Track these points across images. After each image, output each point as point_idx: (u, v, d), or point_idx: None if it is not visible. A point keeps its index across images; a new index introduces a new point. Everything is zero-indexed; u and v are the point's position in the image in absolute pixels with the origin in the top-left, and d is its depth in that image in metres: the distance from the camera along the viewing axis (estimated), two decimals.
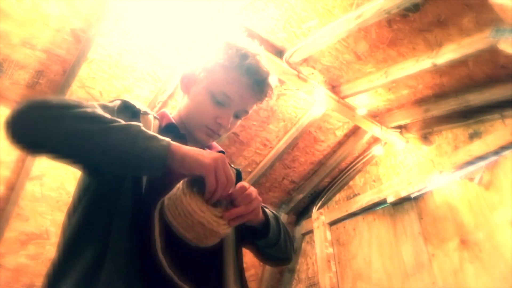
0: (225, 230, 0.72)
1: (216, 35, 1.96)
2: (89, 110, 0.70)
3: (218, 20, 1.93)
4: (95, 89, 2.22)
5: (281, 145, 2.83)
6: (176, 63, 2.20)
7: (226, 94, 0.92)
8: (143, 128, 0.71)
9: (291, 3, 1.93)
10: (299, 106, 2.63)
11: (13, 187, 2.23)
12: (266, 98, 1.00)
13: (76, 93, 2.19)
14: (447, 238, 2.31)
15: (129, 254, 0.70)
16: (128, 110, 0.89)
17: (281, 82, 2.36)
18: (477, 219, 2.20)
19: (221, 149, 1.08)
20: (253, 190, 0.79)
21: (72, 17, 1.91)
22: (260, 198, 0.81)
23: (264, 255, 0.99)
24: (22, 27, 1.90)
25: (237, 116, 0.99)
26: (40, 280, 2.31)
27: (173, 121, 0.98)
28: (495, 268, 2.02)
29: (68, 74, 2.11)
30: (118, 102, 0.90)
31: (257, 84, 0.95)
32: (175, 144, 0.71)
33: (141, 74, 2.22)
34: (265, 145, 2.84)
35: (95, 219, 0.75)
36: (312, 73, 2.37)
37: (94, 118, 0.68)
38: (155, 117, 0.95)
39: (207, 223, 0.69)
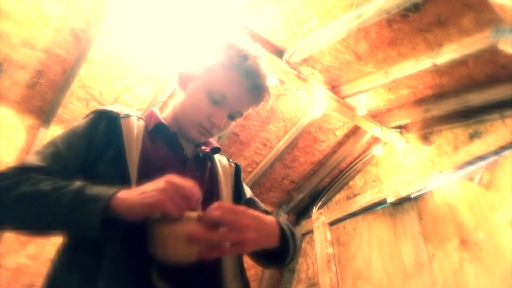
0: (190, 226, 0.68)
1: (216, 35, 1.96)
2: (27, 189, 0.70)
3: (218, 20, 1.93)
4: (95, 89, 2.22)
5: (281, 145, 2.82)
6: (176, 63, 2.20)
7: (223, 94, 0.91)
8: (81, 190, 0.69)
9: (291, 3, 1.93)
10: (299, 106, 2.63)
11: None
12: (262, 102, 0.99)
13: (76, 93, 2.19)
14: (447, 238, 2.31)
15: (123, 262, 0.70)
16: (103, 119, 0.87)
17: (281, 82, 2.36)
18: (477, 219, 2.20)
19: (216, 145, 1.06)
20: (247, 223, 0.71)
21: (72, 17, 1.91)
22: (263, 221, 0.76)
23: (263, 262, 0.96)
24: (22, 27, 1.90)
25: (231, 117, 0.98)
26: (40, 280, 2.30)
27: (162, 119, 0.97)
28: (495, 268, 2.02)
29: (68, 74, 2.11)
30: (90, 117, 0.89)
31: (255, 88, 0.93)
32: (117, 198, 0.67)
33: (141, 74, 2.22)
34: (265, 145, 2.84)
35: None
36: (312, 73, 2.37)
37: (29, 198, 0.69)
38: (140, 118, 0.93)
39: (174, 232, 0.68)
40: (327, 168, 3.09)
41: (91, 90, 2.22)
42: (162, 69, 2.22)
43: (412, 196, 2.58)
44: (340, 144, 2.98)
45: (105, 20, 1.92)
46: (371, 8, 1.84)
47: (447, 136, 2.60)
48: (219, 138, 2.57)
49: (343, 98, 2.49)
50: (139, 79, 2.24)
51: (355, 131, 2.91)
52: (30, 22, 1.89)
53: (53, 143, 0.82)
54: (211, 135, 0.98)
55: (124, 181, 0.76)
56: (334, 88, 2.50)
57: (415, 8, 1.86)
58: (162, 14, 1.96)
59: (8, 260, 2.24)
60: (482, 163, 2.28)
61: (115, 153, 0.81)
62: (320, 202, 3.25)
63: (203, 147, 1.01)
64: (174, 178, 0.69)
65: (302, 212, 3.42)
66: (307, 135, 2.83)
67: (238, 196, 1.03)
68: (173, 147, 0.94)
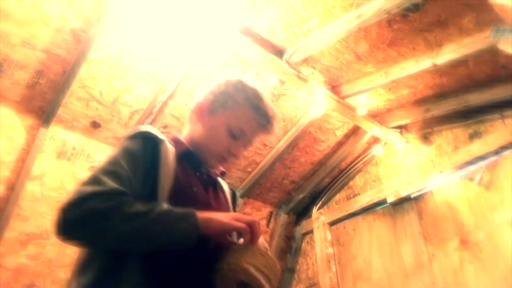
0: None
1: (216, 35, 1.96)
2: (131, 210, 0.79)
3: (218, 20, 1.93)
4: (95, 89, 2.22)
5: (281, 145, 2.82)
6: (176, 63, 2.20)
7: (243, 131, 1.05)
8: (172, 211, 0.82)
9: (291, 3, 1.93)
10: (299, 106, 2.63)
11: (13, 187, 2.22)
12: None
13: (76, 93, 2.19)
14: (447, 238, 2.31)
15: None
16: (148, 144, 0.94)
17: (281, 82, 2.36)
18: (477, 219, 2.20)
19: (223, 169, 1.15)
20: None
21: (72, 17, 1.91)
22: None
23: None
24: (22, 27, 1.90)
25: (243, 146, 1.10)
26: (40, 280, 2.31)
27: (189, 147, 1.05)
28: (495, 268, 2.02)
29: (68, 74, 2.11)
30: (141, 142, 0.94)
31: (270, 124, 1.08)
32: (200, 218, 0.82)
33: (141, 74, 2.22)
34: (265, 145, 2.84)
35: None
36: (312, 73, 2.37)
37: (134, 217, 0.79)
38: (170, 143, 1.00)
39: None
40: (327, 168, 3.09)
41: (91, 90, 2.22)
42: (162, 69, 2.22)
43: (412, 196, 2.58)
44: (340, 144, 2.98)
45: (105, 20, 1.92)
46: (371, 8, 1.84)
47: (447, 136, 2.60)
48: None
49: (343, 98, 2.49)
50: (139, 79, 2.24)
51: (355, 131, 2.91)
52: (30, 22, 1.89)
53: (118, 164, 0.88)
54: (227, 163, 1.10)
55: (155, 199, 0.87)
56: (334, 88, 2.50)
57: (415, 8, 1.85)
58: (162, 14, 1.96)
59: (8, 260, 2.24)
60: (482, 163, 2.28)
61: (153, 177, 0.89)
62: (320, 202, 3.25)
63: (213, 170, 1.11)
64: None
65: (302, 212, 3.42)
66: (307, 135, 2.83)
67: None
68: (198, 172, 1.04)
